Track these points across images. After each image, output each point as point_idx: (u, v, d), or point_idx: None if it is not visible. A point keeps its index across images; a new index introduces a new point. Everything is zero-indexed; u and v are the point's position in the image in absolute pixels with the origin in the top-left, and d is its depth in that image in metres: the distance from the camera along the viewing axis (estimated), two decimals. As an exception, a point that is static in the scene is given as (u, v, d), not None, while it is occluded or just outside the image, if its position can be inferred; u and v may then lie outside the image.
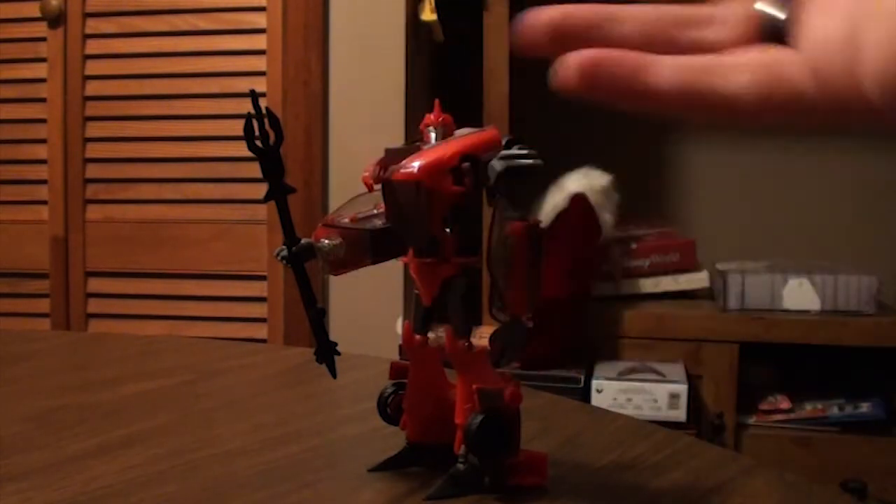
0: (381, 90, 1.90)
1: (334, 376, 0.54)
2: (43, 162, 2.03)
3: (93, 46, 2.01)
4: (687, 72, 0.27)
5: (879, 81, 0.24)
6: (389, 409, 0.57)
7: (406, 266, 0.54)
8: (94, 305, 2.04)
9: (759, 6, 0.28)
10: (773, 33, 0.27)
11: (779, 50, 0.27)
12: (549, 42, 0.29)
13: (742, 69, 0.27)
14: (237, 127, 0.52)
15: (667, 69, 0.27)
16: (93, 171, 2.02)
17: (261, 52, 1.93)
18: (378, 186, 0.53)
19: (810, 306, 1.85)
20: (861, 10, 0.25)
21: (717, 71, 0.27)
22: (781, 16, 0.27)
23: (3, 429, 0.67)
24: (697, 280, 2.00)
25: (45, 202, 2.04)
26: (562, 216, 1.78)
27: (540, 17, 0.28)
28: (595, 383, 1.74)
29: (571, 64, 0.27)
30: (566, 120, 2.31)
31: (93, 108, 2.01)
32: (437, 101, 0.55)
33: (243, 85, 1.90)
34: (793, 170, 2.25)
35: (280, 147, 0.52)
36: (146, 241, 2.00)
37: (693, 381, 1.78)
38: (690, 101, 0.26)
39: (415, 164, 0.51)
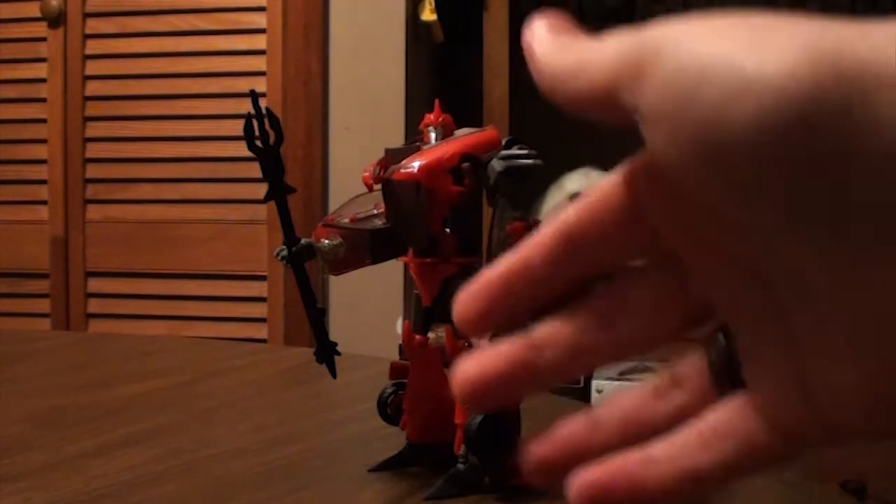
0: (381, 90, 1.90)
1: (334, 376, 0.54)
2: (43, 162, 2.03)
3: (93, 46, 2.01)
4: (683, 456, 0.26)
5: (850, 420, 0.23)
6: (389, 409, 0.57)
7: (406, 266, 0.54)
8: (94, 305, 2.04)
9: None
10: (722, 376, 0.26)
11: (738, 401, 0.26)
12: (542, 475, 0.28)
13: (721, 438, 0.26)
14: (237, 127, 0.52)
15: (665, 461, 0.26)
16: (93, 171, 2.02)
17: (261, 52, 1.93)
18: (378, 186, 0.53)
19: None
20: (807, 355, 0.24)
21: (704, 444, 0.26)
22: (721, 352, 0.26)
23: (3, 429, 0.67)
24: (697, 280, 2.00)
25: (45, 202, 2.04)
26: (562, 216, 1.78)
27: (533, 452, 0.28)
28: (595, 383, 1.74)
29: (576, 497, 0.27)
30: (566, 120, 2.31)
31: (93, 108, 2.01)
32: (437, 101, 0.55)
33: (243, 85, 1.90)
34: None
35: (280, 147, 0.52)
36: (146, 241, 2.00)
37: (693, 381, 1.77)
38: (696, 482, 0.26)
39: (415, 164, 0.51)
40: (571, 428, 0.28)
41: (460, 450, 0.52)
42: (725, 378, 0.26)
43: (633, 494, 0.26)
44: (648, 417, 0.27)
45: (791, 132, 0.19)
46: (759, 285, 0.24)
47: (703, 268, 0.26)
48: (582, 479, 0.26)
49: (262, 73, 1.92)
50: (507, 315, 0.28)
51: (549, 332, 0.28)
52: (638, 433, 0.27)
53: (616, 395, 0.28)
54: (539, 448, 0.28)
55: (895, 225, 0.20)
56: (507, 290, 0.28)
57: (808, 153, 0.19)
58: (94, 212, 2.03)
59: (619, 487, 0.26)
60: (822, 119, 0.19)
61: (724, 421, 0.26)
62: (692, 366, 0.27)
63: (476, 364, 0.28)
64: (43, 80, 2.02)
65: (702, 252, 0.25)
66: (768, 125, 0.19)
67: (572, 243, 0.28)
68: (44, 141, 2.03)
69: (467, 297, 0.28)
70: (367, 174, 0.55)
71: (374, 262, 0.53)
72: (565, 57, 0.26)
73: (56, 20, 2.00)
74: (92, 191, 2.03)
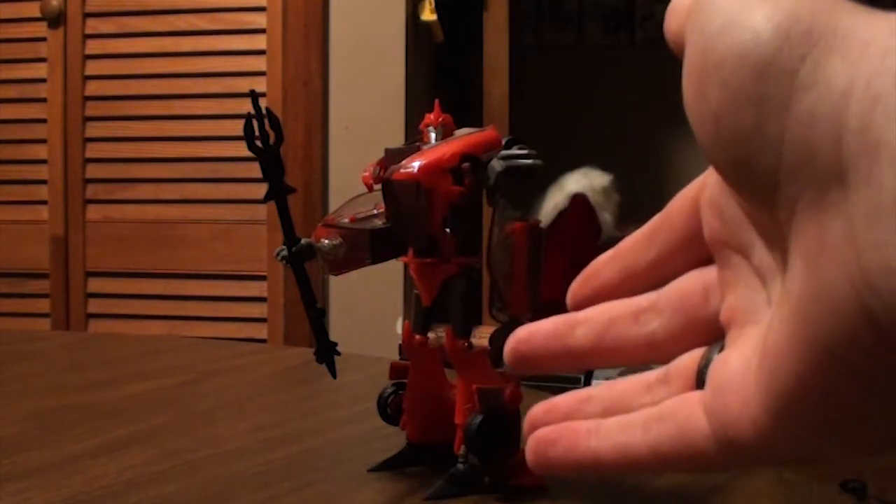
0: (381, 90, 1.90)
1: (334, 376, 0.54)
2: (43, 162, 2.03)
3: (93, 46, 2.01)
4: (622, 432, 0.28)
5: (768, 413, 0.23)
6: (389, 409, 0.57)
7: (406, 266, 0.54)
8: (94, 305, 2.04)
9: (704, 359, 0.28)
10: (703, 378, 0.27)
11: (696, 395, 0.27)
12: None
13: (661, 420, 0.27)
14: (237, 127, 0.52)
15: (606, 433, 0.28)
16: (93, 171, 2.02)
17: (261, 52, 1.93)
18: (378, 186, 0.53)
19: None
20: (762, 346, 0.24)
21: (647, 426, 0.27)
22: (710, 359, 0.27)
23: (3, 429, 0.67)
24: (697, 280, 2.00)
25: (45, 202, 2.04)
26: (562, 216, 1.78)
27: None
28: (595, 383, 1.73)
29: (528, 450, 0.29)
30: (566, 120, 2.31)
31: (93, 108, 2.01)
32: (437, 101, 0.55)
33: (243, 85, 1.90)
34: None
35: (280, 147, 0.52)
36: (146, 241, 2.00)
37: (693, 381, 1.77)
38: (625, 462, 0.28)
39: (415, 164, 0.51)
40: (571, 397, 0.30)
41: (460, 450, 0.52)
42: (705, 378, 0.27)
43: (568, 455, 0.28)
44: (631, 405, 0.28)
45: (749, 69, 0.23)
46: (760, 286, 0.26)
47: (729, 267, 0.27)
48: (539, 432, 0.29)
49: (262, 73, 1.93)
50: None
51: (590, 312, 0.30)
52: (616, 414, 0.29)
53: (617, 380, 0.30)
54: (538, 409, 0.30)
55: (820, 180, 0.22)
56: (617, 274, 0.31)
57: (757, 91, 0.23)
58: (94, 212, 2.03)
59: (559, 446, 0.28)
60: (777, 66, 0.22)
61: (670, 409, 0.27)
62: (685, 367, 0.28)
63: (525, 331, 0.30)
64: (43, 80, 2.02)
65: (731, 250, 0.27)
66: (736, 58, 0.23)
67: (645, 252, 0.30)
68: (44, 141, 2.03)
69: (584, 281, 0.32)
70: (367, 174, 0.55)
71: (374, 262, 0.54)
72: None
73: (56, 20, 2.00)
74: (92, 191, 2.03)
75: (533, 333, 0.30)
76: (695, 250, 0.29)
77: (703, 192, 0.28)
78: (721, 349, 0.27)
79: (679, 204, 0.29)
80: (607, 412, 0.29)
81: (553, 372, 0.31)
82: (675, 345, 0.29)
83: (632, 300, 0.30)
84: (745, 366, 0.25)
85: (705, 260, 0.28)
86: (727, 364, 0.26)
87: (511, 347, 0.30)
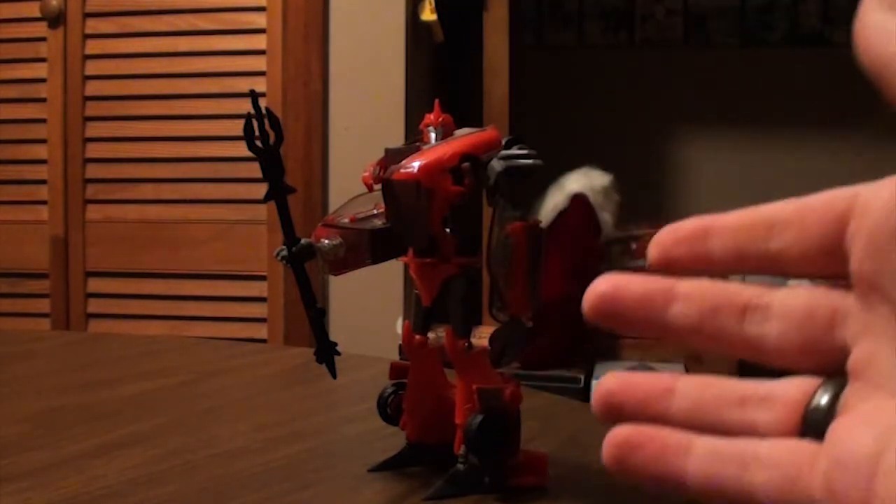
0: (381, 90, 1.90)
1: (334, 376, 0.54)
2: (43, 162, 2.03)
3: (93, 46, 2.01)
4: (718, 463, 0.26)
5: None
6: (389, 409, 0.57)
7: (406, 266, 0.54)
8: (94, 305, 2.04)
9: (813, 400, 0.26)
10: (815, 423, 0.26)
11: (808, 448, 0.25)
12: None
13: (763, 465, 0.25)
14: (237, 127, 0.52)
15: (698, 459, 0.26)
16: (93, 171, 2.02)
17: (261, 52, 1.93)
18: (378, 186, 0.53)
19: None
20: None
21: (744, 464, 0.26)
22: (826, 403, 0.26)
23: (3, 429, 0.67)
24: (697, 280, 2.00)
25: (45, 202, 2.04)
26: (562, 216, 1.78)
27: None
28: (595, 383, 1.73)
29: (607, 446, 0.28)
30: (566, 120, 2.31)
31: (93, 108, 2.01)
32: (437, 101, 0.55)
33: (243, 85, 1.90)
34: (793, 169, 2.25)
35: (280, 147, 0.52)
36: (146, 241, 2.00)
37: (693, 381, 1.77)
38: (721, 494, 0.26)
39: (415, 164, 0.51)
40: (650, 381, 0.28)
41: (460, 450, 0.52)
42: (816, 424, 0.25)
43: (651, 466, 0.26)
44: (721, 416, 0.27)
45: None
46: None
47: (873, 313, 0.25)
48: (621, 432, 0.27)
49: (262, 73, 1.93)
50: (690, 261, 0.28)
51: (695, 286, 0.28)
52: (702, 423, 0.27)
53: (704, 377, 0.28)
54: (614, 382, 0.28)
55: None
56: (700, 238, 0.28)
57: None
58: (94, 212, 2.03)
59: (643, 454, 0.27)
60: None
61: (776, 456, 0.25)
62: (791, 398, 0.26)
63: (611, 282, 0.28)
64: (43, 80, 2.02)
65: (881, 298, 0.25)
66: None
67: (769, 228, 0.28)
68: (44, 141, 2.03)
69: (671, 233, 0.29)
70: (367, 174, 0.55)
71: (374, 262, 0.53)
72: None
73: (56, 20, 2.00)
74: (92, 191, 2.03)
75: (622, 290, 0.28)
76: (823, 267, 0.26)
77: (857, 217, 0.26)
78: (834, 395, 0.25)
79: (821, 211, 0.27)
80: (692, 417, 0.27)
81: (636, 334, 0.29)
82: (784, 359, 0.27)
83: (737, 290, 0.28)
84: (874, 450, 0.23)
85: (830, 279, 0.26)
86: (853, 437, 0.24)
87: (600, 296, 0.28)
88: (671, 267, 0.28)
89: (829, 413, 0.25)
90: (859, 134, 2.18)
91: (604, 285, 0.28)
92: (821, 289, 0.27)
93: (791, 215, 0.27)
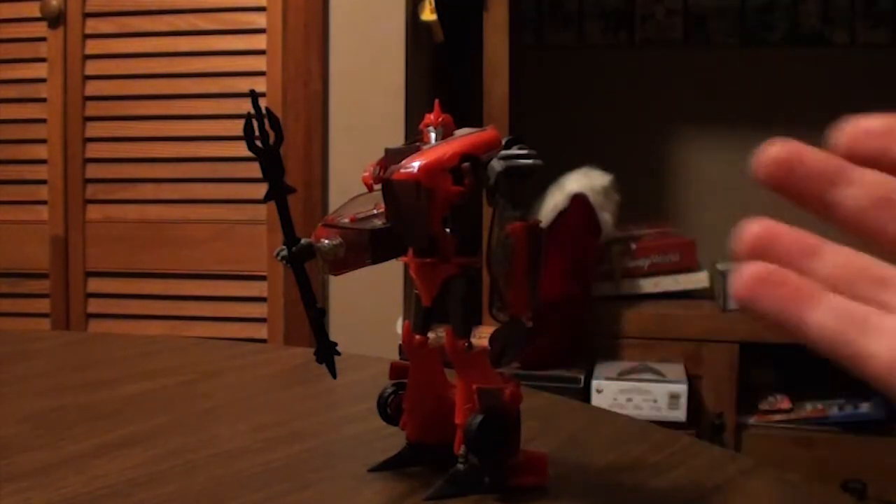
0: (381, 90, 1.90)
1: (334, 376, 0.54)
2: (43, 162, 2.03)
3: (93, 46, 2.01)
4: (842, 321, 0.27)
5: None
6: (389, 409, 0.57)
7: (406, 266, 0.54)
8: (94, 305, 2.04)
9: None
10: None
11: None
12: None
13: (883, 335, 0.26)
14: (237, 127, 0.52)
15: (825, 311, 0.27)
16: (93, 171, 2.02)
17: (261, 52, 1.93)
18: (378, 186, 0.53)
19: (810, 306, 1.85)
20: None
21: (867, 328, 0.27)
22: None
23: (3, 429, 0.67)
24: (697, 280, 2.00)
25: (45, 202, 2.04)
26: (562, 216, 1.78)
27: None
28: (595, 383, 1.73)
29: (741, 277, 0.28)
30: (566, 120, 2.31)
31: (93, 108, 2.01)
32: (437, 101, 0.55)
33: (243, 85, 1.90)
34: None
35: (280, 147, 0.52)
36: (146, 241, 2.00)
37: (693, 381, 1.77)
38: (835, 351, 0.27)
39: (415, 164, 0.51)
40: (799, 236, 0.28)
41: (460, 450, 0.52)
42: None
43: (778, 305, 0.27)
44: (858, 289, 0.28)
45: None
46: None
47: None
48: (758, 267, 0.27)
49: (262, 73, 1.92)
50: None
51: (870, 175, 0.28)
52: (838, 290, 0.27)
53: (848, 250, 0.28)
54: (760, 226, 0.28)
55: None
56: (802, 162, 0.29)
57: None
58: (94, 212, 2.03)
59: (776, 293, 0.27)
60: None
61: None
62: None
63: (788, 147, 0.29)
64: (43, 80, 2.02)
65: None
66: None
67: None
68: (44, 141, 2.03)
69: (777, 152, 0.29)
70: (367, 174, 0.55)
71: (374, 262, 0.53)
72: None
73: (56, 20, 2.00)
74: (92, 191, 2.03)
75: (802, 158, 0.28)
76: None
77: None
78: None
79: None
80: (832, 283, 0.27)
81: (801, 205, 0.29)
82: None
83: None
84: None
85: None
86: None
87: (776, 158, 0.28)
88: (854, 158, 0.28)
89: None
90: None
91: (780, 149, 0.29)
92: None
93: None
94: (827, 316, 0.27)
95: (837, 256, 0.28)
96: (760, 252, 0.28)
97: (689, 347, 1.83)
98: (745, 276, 0.28)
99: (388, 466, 0.57)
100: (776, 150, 0.29)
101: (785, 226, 0.29)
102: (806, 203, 0.29)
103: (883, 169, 0.28)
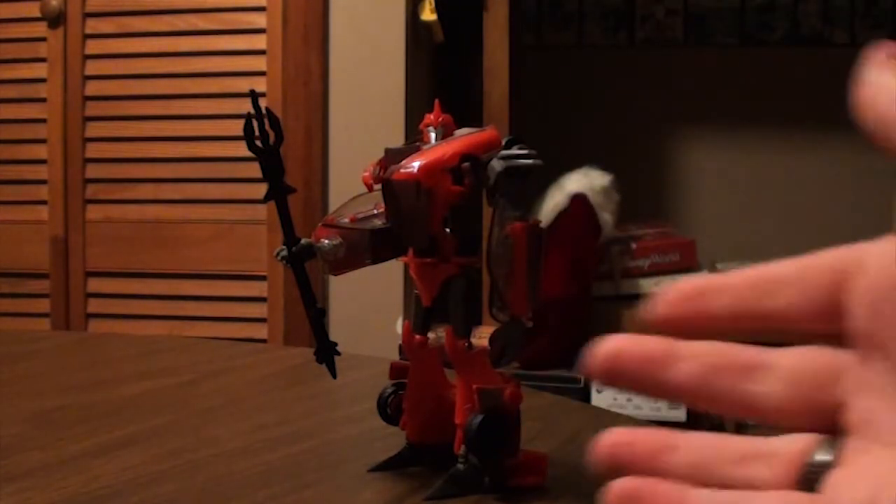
0: (381, 90, 1.90)
1: (334, 376, 0.54)
2: (43, 162, 2.03)
3: (93, 46, 2.01)
4: None
5: None
6: (389, 409, 0.57)
7: (406, 266, 0.54)
8: (94, 305, 2.04)
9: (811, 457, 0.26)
10: (813, 479, 0.26)
11: (804, 499, 0.26)
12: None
13: None
14: (237, 127, 0.52)
15: None
16: (93, 171, 2.02)
17: (261, 52, 1.93)
18: (378, 186, 0.53)
19: (810, 306, 1.85)
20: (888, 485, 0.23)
21: None
22: (825, 459, 0.26)
23: (3, 429, 0.67)
24: (697, 280, 2.00)
25: (45, 202, 2.04)
26: (562, 216, 1.78)
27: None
28: (595, 383, 1.73)
29: (608, 494, 0.28)
30: (566, 120, 2.31)
31: (93, 108, 2.01)
32: (437, 101, 0.55)
33: (243, 85, 1.90)
34: (793, 169, 2.25)
35: (280, 147, 0.52)
36: (146, 241, 2.00)
37: (693, 381, 1.77)
38: None
39: (415, 164, 0.51)
40: (652, 436, 0.28)
41: (460, 450, 0.52)
42: (814, 479, 0.26)
43: None
44: (720, 473, 0.27)
45: None
46: None
47: (872, 370, 0.26)
48: (622, 484, 0.27)
49: (262, 73, 1.93)
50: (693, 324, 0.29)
51: (696, 347, 0.28)
52: (702, 480, 0.27)
53: (703, 434, 0.28)
54: (618, 437, 0.28)
55: None
56: (700, 303, 0.29)
57: None
58: (94, 212, 2.03)
59: None
60: None
61: (779, 499, 0.26)
62: (788, 453, 0.27)
63: (613, 343, 0.29)
64: (43, 80, 2.02)
65: (880, 356, 0.26)
66: None
67: (769, 286, 0.28)
68: (44, 141, 2.03)
69: (672, 298, 0.29)
70: (367, 174, 0.55)
71: (374, 262, 0.53)
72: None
73: (56, 20, 2.00)
74: (92, 191, 2.03)
75: (625, 352, 0.29)
76: (822, 325, 0.27)
77: (857, 275, 0.26)
78: (832, 451, 0.26)
79: (820, 269, 0.27)
80: (693, 474, 0.27)
81: (638, 394, 0.30)
82: (783, 418, 0.27)
83: (741, 350, 0.28)
84: (869, 496, 0.23)
85: (832, 339, 0.27)
86: (849, 485, 0.24)
87: (603, 358, 0.29)
88: (674, 325, 0.29)
89: (827, 469, 0.26)
90: (859, 134, 2.18)
91: (606, 347, 0.29)
92: (818, 347, 0.27)
93: (792, 273, 0.28)
94: None
95: (691, 444, 0.28)
96: (619, 463, 0.28)
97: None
98: (610, 496, 0.28)
99: (388, 466, 0.57)
100: (601, 356, 0.29)
101: (636, 429, 0.29)
102: (646, 390, 0.29)
103: (714, 326, 0.28)
